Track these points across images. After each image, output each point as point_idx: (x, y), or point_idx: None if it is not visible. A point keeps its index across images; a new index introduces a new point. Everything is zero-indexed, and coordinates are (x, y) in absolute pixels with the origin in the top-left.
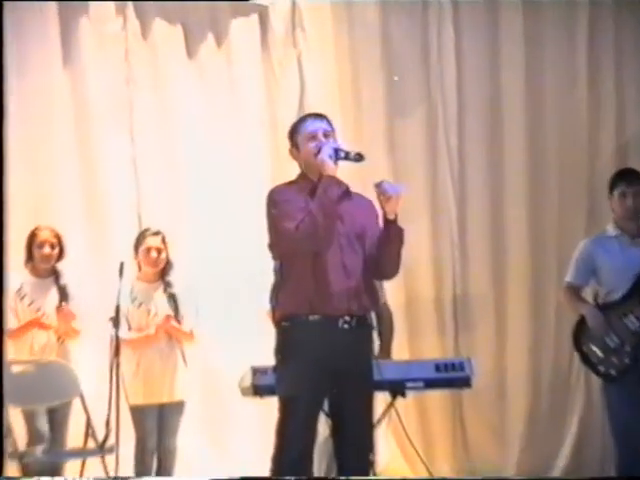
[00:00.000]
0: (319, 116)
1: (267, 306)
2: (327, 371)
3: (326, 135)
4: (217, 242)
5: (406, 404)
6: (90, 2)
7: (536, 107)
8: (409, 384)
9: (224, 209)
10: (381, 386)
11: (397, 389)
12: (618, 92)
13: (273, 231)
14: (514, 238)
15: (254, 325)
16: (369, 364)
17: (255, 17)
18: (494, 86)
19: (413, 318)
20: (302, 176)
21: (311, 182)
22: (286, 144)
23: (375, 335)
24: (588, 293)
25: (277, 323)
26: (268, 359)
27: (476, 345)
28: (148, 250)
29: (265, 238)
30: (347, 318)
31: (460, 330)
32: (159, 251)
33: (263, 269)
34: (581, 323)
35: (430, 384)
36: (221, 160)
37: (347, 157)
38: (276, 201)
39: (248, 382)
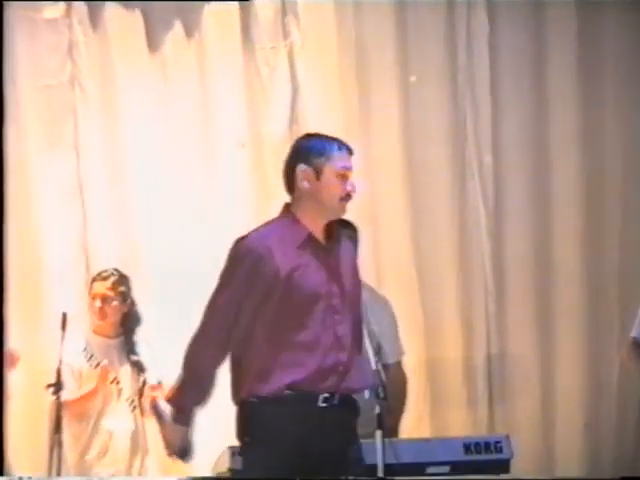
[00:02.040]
0: (350, 150)
1: None
2: (303, 456)
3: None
4: (183, 288)
5: None
6: None
7: (593, 116)
8: (431, 469)
9: (192, 249)
10: (395, 471)
11: (415, 475)
12: None
13: None
14: (565, 283)
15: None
16: (354, 447)
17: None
18: (539, 91)
19: (436, 384)
20: (289, 216)
21: (301, 229)
22: (274, 168)
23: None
24: None
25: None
26: None
27: (516, 419)
28: (92, 298)
29: None
30: (327, 395)
31: (496, 400)
32: (104, 299)
33: None
34: None
35: (458, 468)
36: (189, 187)
37: None
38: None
39: (225, 466)
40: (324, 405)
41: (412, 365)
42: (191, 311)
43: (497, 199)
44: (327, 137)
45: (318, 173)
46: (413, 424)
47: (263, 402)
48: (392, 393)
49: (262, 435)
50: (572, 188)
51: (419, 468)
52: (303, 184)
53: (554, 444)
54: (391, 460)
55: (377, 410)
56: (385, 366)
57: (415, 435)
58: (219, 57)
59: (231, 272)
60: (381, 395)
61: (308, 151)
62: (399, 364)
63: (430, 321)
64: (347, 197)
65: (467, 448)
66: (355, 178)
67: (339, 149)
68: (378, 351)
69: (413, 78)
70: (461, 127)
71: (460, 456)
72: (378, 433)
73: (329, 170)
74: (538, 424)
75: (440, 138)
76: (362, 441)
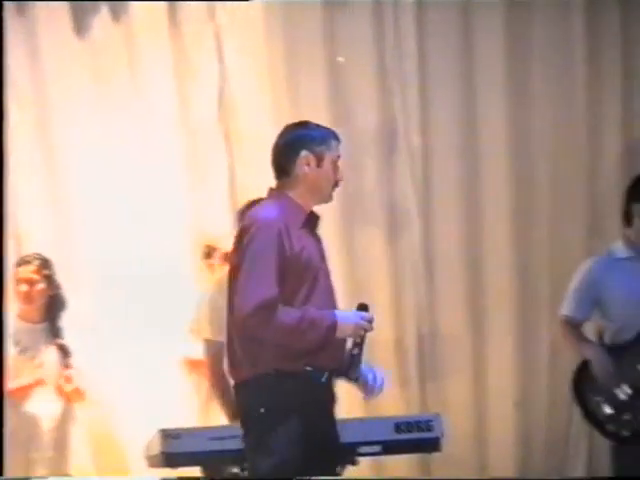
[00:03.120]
0: (340, 139)
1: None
2: (312, 428)
3: None
4: (119, 273)
5: (359, 473)
6: None
7: (520, 101)
8: (363, 449)
9: (125, 233)
10: None
11: (347, 455)
12: (624, 84)
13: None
14: (495, 262)
15: (165, 379)
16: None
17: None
18: (466, 75)
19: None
20: (287, 198)
21: (302, 210)
22: (205, 150)
23: None
24: (590, 330)
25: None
26: (184, 421)
27: (448, 398)
28: (17, 283)
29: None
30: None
31: (427, 380)
32: (31, 283)
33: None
34: (583, 370)
35: (389, 448)
36: (121, 170)
37: None
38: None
39: (156, 449)
40: (325, 381)
41: None
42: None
43: (426, 180)
44: (321, 126)
45: (319, 160)
46: (345, 405)
47: (280, 375)
48: None
49: (281, 405)
50: (501, 169)
51: (351, 448)
52: (304, 169)
53: (485, 422)
54: None
55: None
56: None
57: (347, 415)
58: (147, 40)
59: (263, 240)
60: None
61: (311, 139)
62: None
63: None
64: (337, 185)
65: (398, 427)
66: None
67: (335, 139)
68: None
69: (341, 59)
70: (390, 108)
71: (391, 435)
72: None
73: (328, 158)
74: (469, 403)
75: (368, 119)
76: None
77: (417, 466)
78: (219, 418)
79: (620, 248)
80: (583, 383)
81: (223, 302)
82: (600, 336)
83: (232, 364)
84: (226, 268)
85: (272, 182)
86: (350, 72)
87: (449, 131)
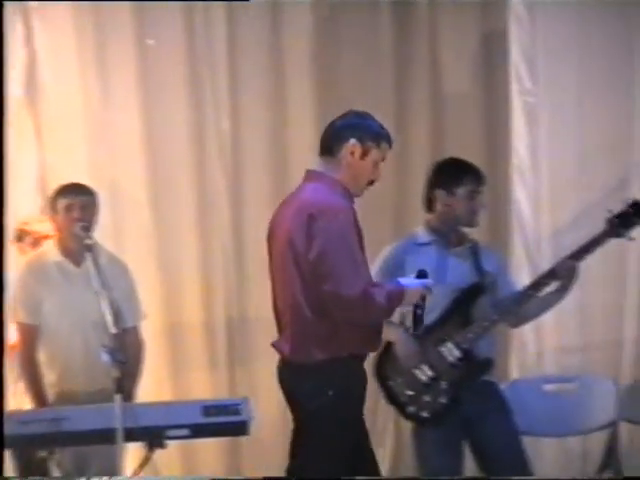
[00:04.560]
0: (391, 145)
1: None
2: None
3: None
4: None
5: (168, 457)
6: None
7: (329, 89)
8: (170, 432)
9: None
10: (134, 435)
11: (154, 439)
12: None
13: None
14: None
15: None
16: None
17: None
18: (276, 60)
19: (177, 348)
20: (339, 183)
21: (350, 194)
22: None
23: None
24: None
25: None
26: None
27: (256, 382)
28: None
29: None
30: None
31: (236, 363)
32: None
33: None
34: (386, 352)
35: (198, 431)
36: None
37: None
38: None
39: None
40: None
41: (153, 329)
42: None
43: (236, 164)
44: (382, 126)
45: (364, 154)
46: (154, 388)
47: (352, 359)
48: (130, 357)
49: (350, 389)
50: (309, 154)
51: (158, 431)
52: (347, 157)
53: None
54: (130, 424)
55: (116, 374)
56: (124, 330)
57: (156, 399)
58: None
59: (350, 226)
60: (120, 359)
61: (365, 131)
62: (136, 328)
63: (170, 286)
64: (371, 183)
65: (207, 411)
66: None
67: (387, 142)
68: (117, 315)
69: (150, 41)
70: (200, 92)
71: (199, 419)
72: (117, 397)
73: (373, 155)
74: (278, 386)
75: (179, 102)
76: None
77: (227, 450)
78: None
79: (421, 233)
80: (386, 365)
81: (35, 285)
82: (402, 319)
83: (297, 345)
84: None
85: (83, 164)
86: (159, 56)
87: (258, 117)
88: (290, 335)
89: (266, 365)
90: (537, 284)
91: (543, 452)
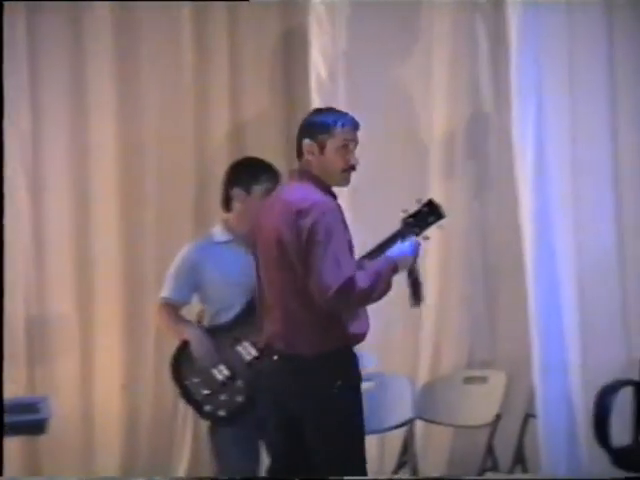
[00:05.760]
0: (355, 125)
1: None
2: None
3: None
4: None
5: None
6: None
7: (130, 92)
8: None
9: None
10: None
11: None
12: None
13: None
14: (104, 247)
15: None
16: None
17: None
18: (77, 65)
19: None
20: (320, 180)
21: (330, 189)
22: None
23: None
24: (190, 314)
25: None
26: None
27: (56, 380)
28: None
29: None
30: None
31: (36, 361)
32: None
33: None
34: (182, 351)
35: None
36: None
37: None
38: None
39: None
40: None
41: None
42: None
43: (35, 165)
44: (334, 112)
45: (321, 148)
46: None
47: (350, 350)
48: None
49: (354, 380)
50: (110, 152)
51: None
52: (310, 156)
53: (93, 404)
54: None
55: None
56: None
57: None
58: None
59: (336, 222)
60: None
61: (313, 127)
62: None
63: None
64: (350, 169)
65: (6, 409)
66: None
67: (342, 125)
68: None
69: None
70: None
71: None
72: None
73: (332, 145)
74: (78, 384)
75: None
76: None
77: (25, 448)
78: None
79: (219, 232)
80: (182, 365)
81: None
82: (199, 319)
83: (293, 340)
84: None
85: None
86: None
87: (59, 118)
88: (283, 331)
89: (65, 363)
90: None
91: None
